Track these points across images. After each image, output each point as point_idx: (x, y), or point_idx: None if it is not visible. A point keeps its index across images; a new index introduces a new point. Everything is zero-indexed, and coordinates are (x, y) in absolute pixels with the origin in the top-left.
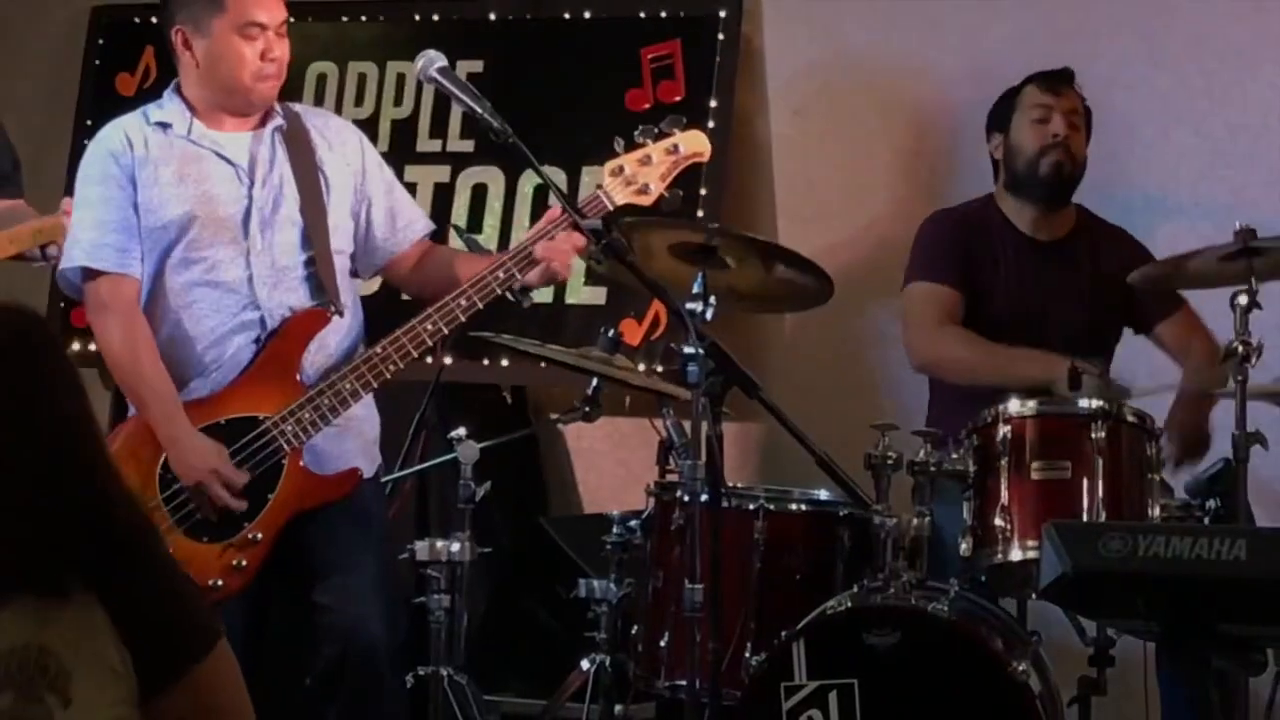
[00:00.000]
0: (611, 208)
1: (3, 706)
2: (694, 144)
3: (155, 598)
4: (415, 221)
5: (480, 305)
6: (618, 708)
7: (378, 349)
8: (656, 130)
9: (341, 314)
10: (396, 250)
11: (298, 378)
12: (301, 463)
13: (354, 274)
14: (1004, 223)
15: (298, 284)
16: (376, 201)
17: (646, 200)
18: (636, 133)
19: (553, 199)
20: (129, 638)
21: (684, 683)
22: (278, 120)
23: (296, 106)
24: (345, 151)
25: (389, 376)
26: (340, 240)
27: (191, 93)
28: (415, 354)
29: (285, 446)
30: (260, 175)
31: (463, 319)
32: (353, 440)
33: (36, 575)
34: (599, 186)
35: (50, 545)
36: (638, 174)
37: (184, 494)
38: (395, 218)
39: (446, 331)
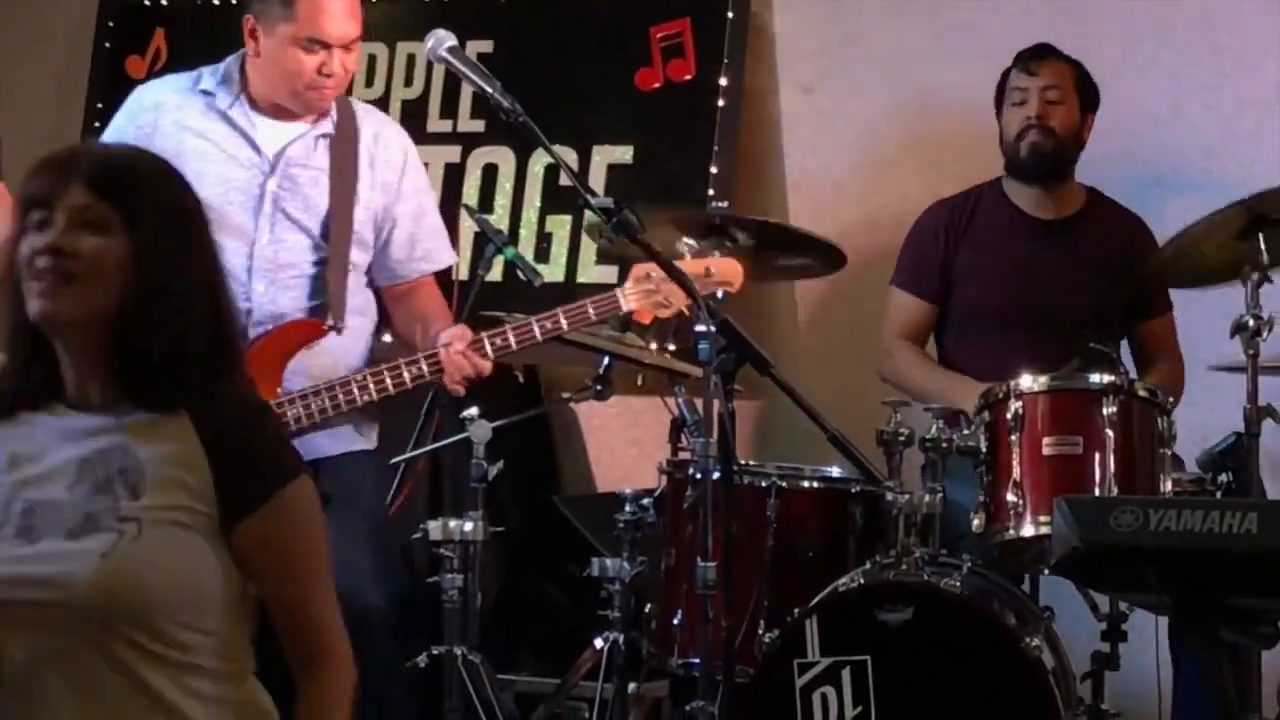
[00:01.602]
0: (622, 311)
1: (77, 497)
2: (727, 273)
3: (244, 427)
4: (431, 254)
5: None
6: (631, 686)
7: (356, 376)
8: (697, 247)
9: (339, 332)
10: (405, 277)
11: (278, 388)
12: None
13: (372, 286)
14: (1005, 204)
15: (296, 283)
16: (402, 225)
17: (664, 313)
18: (681, 244)
19: (563, 177)
20: (216, 460)
21: (697, 660)
22: (326, 125)
23: (360, 107)
24: (386, 168)
25: (360, 404)
26: (358, 254)
27: (249, 74)
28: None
29: None
30: (282, 170)
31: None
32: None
33: (156, 390)
34: (620, 286)
35: (179, 361)
36: (662, 287)
37: None
38: (414, 245)
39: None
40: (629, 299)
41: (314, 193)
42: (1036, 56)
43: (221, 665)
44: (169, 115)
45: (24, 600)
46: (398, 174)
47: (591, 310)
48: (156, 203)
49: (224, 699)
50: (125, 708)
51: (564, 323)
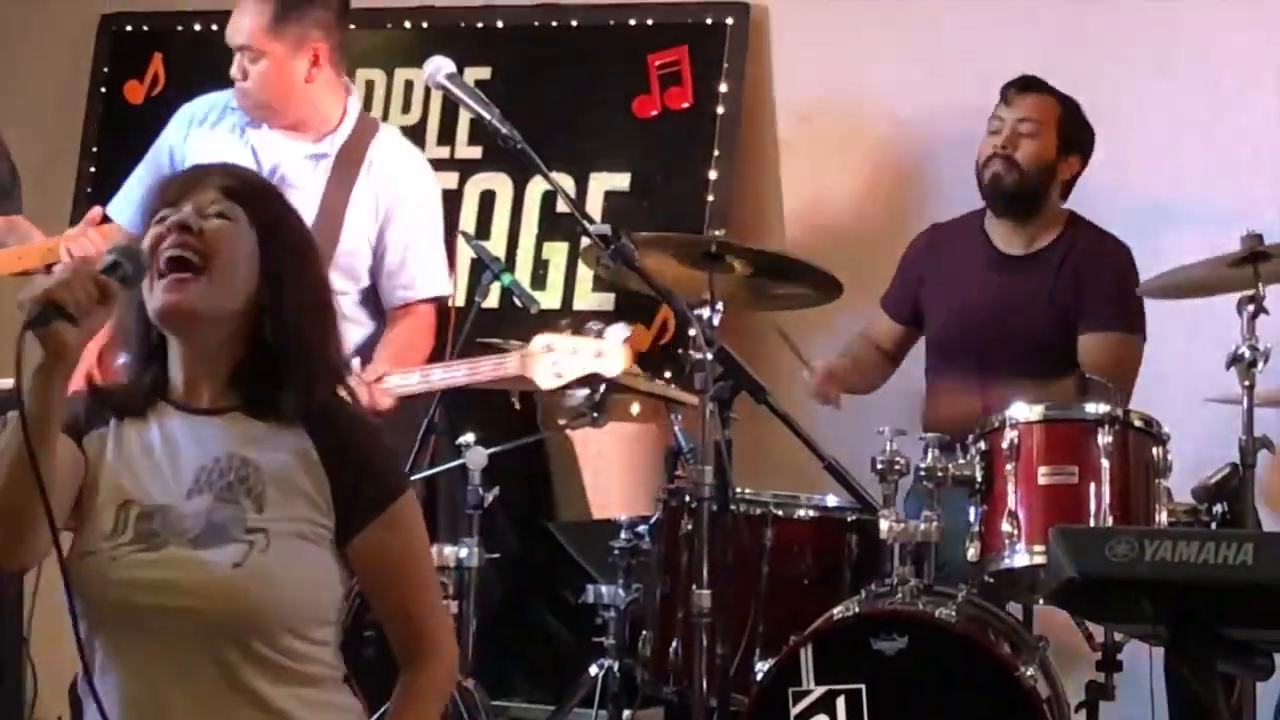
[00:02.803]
0: (510, 375)
1: (199, 507)
2: (614, 361)
3: (359, 443)
4: (414, 283)
5: None
6: (626, 713)
7: None
8: (600, 328)
9: None
10: (389, 303)
11: None
12: None
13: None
14: (979, 237)
15: None
16: (392, 252)
17: (553, 385)
18: (590, 323)
19: (561, 204)
20: (334, 473)
21: (692, 688)
22: (327, 145)
23: (384, 133)
24: (385, 198)
25: None
26: (340, 280)
27: None
28: None
29: None
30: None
31: None
32: None
33: (280, 402)
34: (520, 350)
35: (308, 376)
36: (560, 360)
37: None
38: (398, 274)
39: None
40: (527, 369)
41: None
42: (1018, 88)
43: (327, 671)
44: (199, 130)
45: (150, 606)
46: (398, 200)
47: (487, 371)
48: (281, 215)
49: (329, 704)
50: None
51: (461, 376)
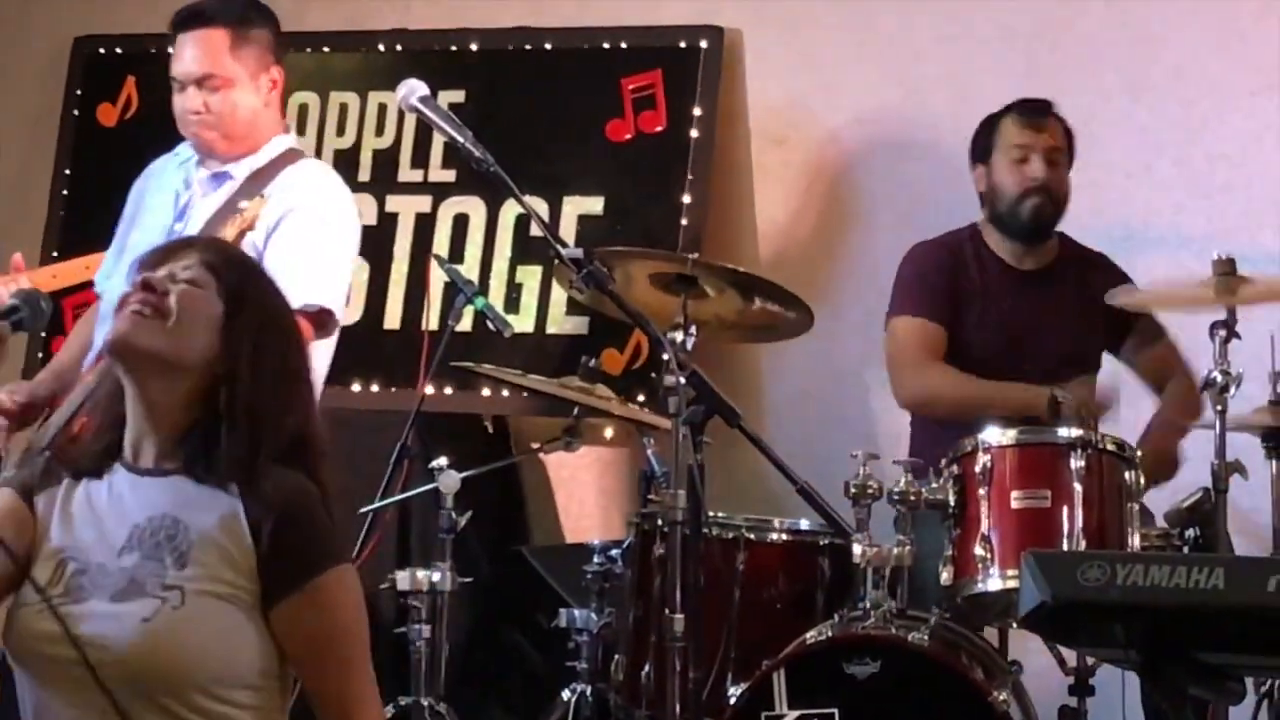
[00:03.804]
0: None
1: (127, 564)
2: None
3: (289, 514)
4: None
5: None
6: None
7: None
8: None
9: None
10: None
11: None
12: None
13: None
14: (988, 254)
15: None
16: (269, 260)
17: None
18: None
19: (534, 228)
20: (259, 541)
21: (665, 713)
22: (238, 167)
23: (305, 161)
24: (277, 206)
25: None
26: None
27: None
28: None
29: None
30: (189, 214)
31: None
32: None
33: (218, 468)
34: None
35: (252, 446)
36: None
37: None
38: None
39: None
40: None
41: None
42: (1042, 113)
43: None
44: (153, 176)
45: (63, 658)
46: (286, 214)
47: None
48: (254, 291)
49: None
50: None
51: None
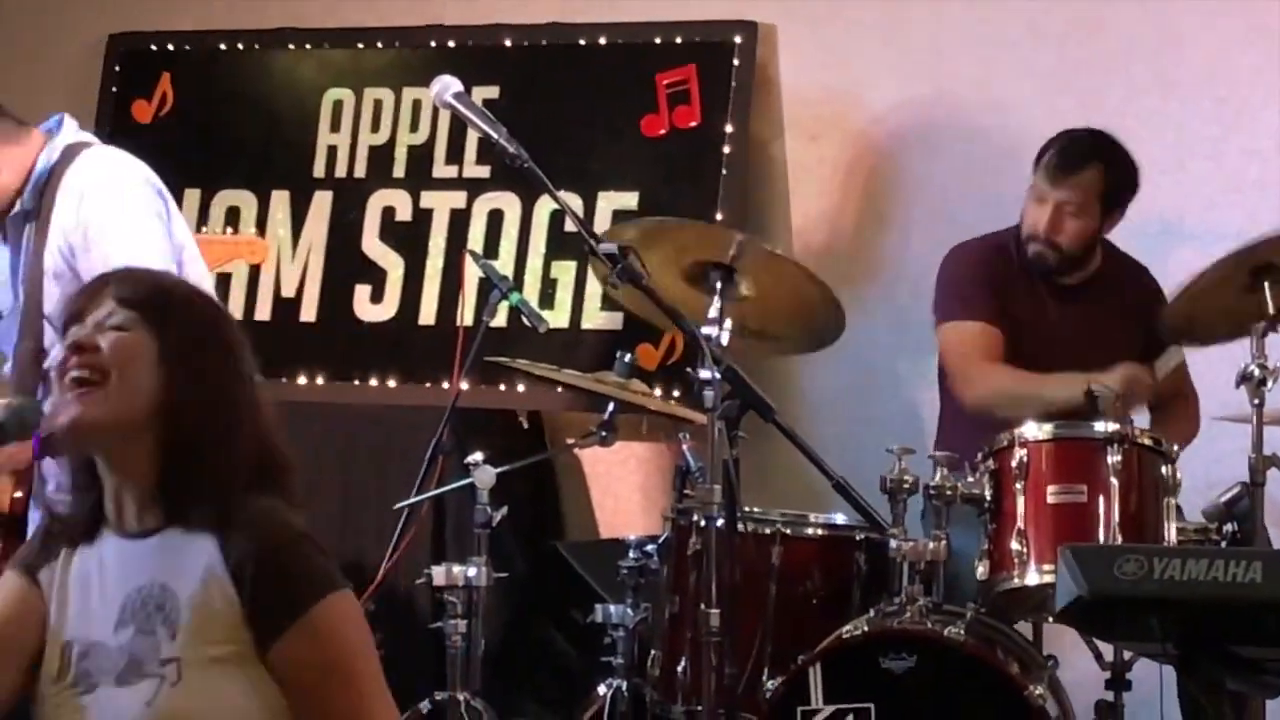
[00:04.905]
0: None
1: (123, 640)
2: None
3: (270, 547)
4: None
5: None
6: None
7: None
8: None
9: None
10: None
11: None
12: None
13: None
14: (1029, 260)
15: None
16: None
17: None
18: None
19: (569, 223)
20: (239, 583)
21: (701, 708)
22: (27, 199)
23: (73, 164)
24: (65, 226)
25: None
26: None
27: None
28: None
29: None
30: (19, 262)
31: None
32: None
33: (193, 504)
34: None
35: (219, 474)
36: None
37: None
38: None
39: None
40: None
41: (18, 277)
42: (1067, 168)
43: None
44: None
45: None
46: (76, 228)
47: None
48: (177, 314)
49: None
50: None
51: None
